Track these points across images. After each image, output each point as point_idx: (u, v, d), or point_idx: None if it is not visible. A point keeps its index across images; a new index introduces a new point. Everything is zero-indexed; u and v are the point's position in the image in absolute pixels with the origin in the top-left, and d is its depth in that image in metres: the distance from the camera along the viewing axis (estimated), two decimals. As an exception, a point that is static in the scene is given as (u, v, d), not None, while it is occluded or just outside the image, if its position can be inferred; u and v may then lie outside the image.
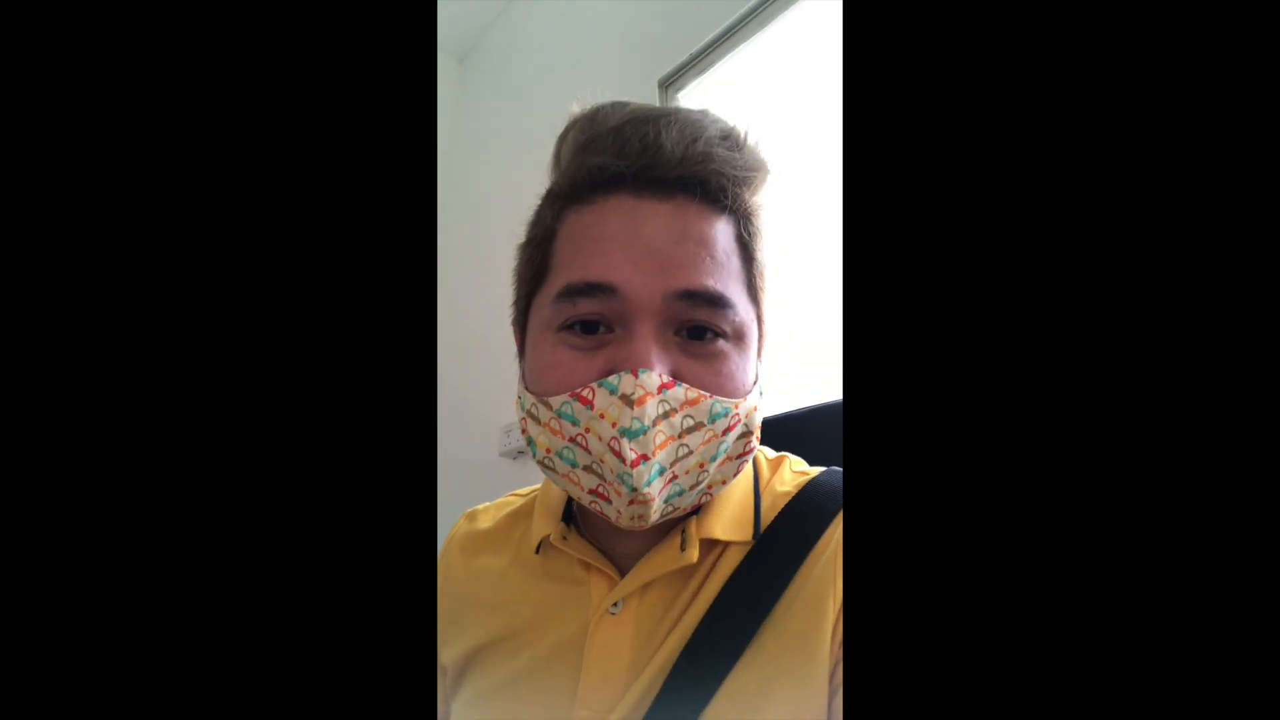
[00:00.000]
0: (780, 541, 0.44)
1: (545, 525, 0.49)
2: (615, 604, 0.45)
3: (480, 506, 0.59)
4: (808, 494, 0.47)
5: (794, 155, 1.08)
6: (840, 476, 0.49)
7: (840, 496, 0.46)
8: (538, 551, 0.50)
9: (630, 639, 0.44)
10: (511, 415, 1.52)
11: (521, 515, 0.55)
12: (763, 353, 0.47)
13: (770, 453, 0.53)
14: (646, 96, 1.28)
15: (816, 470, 0.50)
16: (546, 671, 0.45)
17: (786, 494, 0.48)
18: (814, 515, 0.45)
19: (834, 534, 0.44)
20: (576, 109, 0.45)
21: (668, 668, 0.42)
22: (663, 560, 0.44)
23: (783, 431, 0.68)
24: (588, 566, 0.47)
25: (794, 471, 0.51)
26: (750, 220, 0.44)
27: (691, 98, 1.27)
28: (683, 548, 0.44)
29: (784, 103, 1.14)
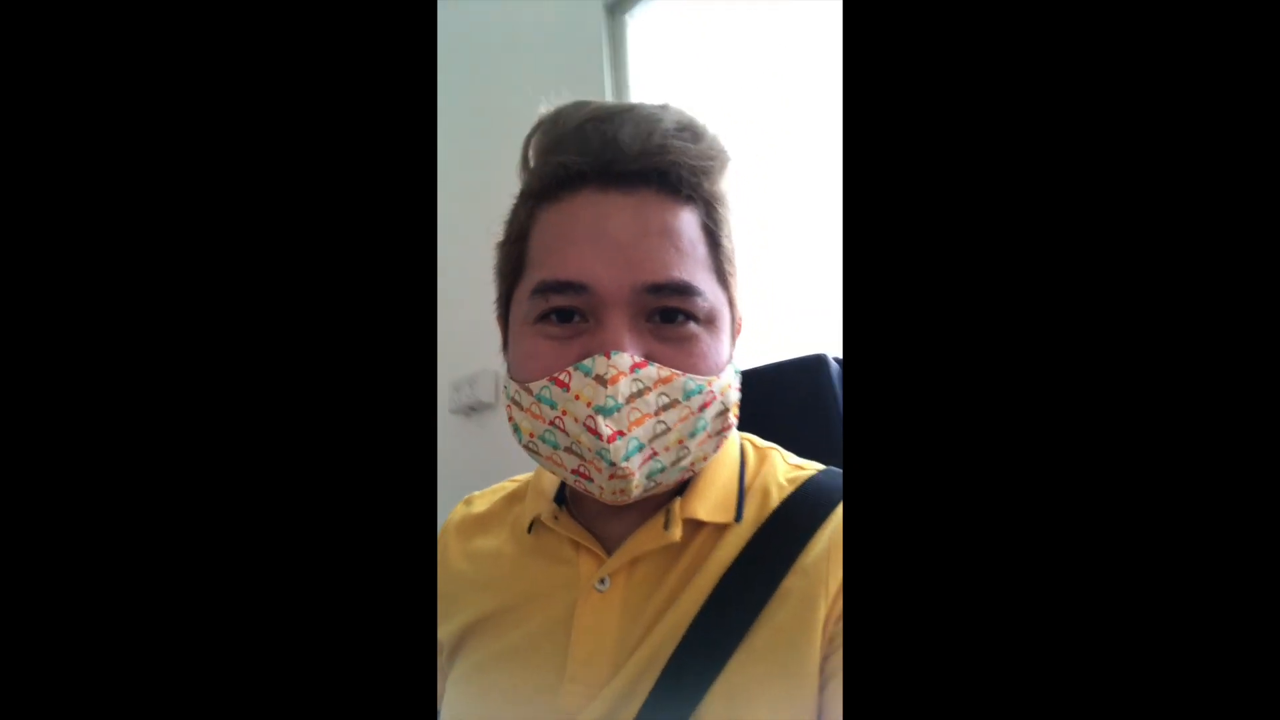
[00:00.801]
0: (776, 537, 0.45)
1: (537, 505, 0.51)
2: (602, 580, 0.46)
3: (477, 493, 0.60)
4: (806, 491, 0.47)
5: (746, 79, 1.02)
6: (837, 476, 0.49)
7: (835, 496, 0.47)
8: (530, 531, 0.51)
9: (617, 616, 0.45)
10: (462, 369, 1.47)
11: (516, 497, 0.56)
12: (738, 335, 0.48)
13: (760, 441, 0.54)
14: (591, 22, 1.18)
15: (813, 467, 0.50)
16: (537, 647, 0.46)
17: (781, 487, 0.48)
18: (810, 513, 0.46)
19: (827, 532, 0.45)
20: (544, 110, 0.47)
21: (660, 656, 0.42)
22: (647, 538, 0.46)
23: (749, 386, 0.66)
24: (577, 546, 0.48)
25: (789, 464, 0.51)
26: (714, 208, 0.44)
27: (641, 21, 1.18)
28: (666, 526, 0.45)
29: (737, 23, 1.07)
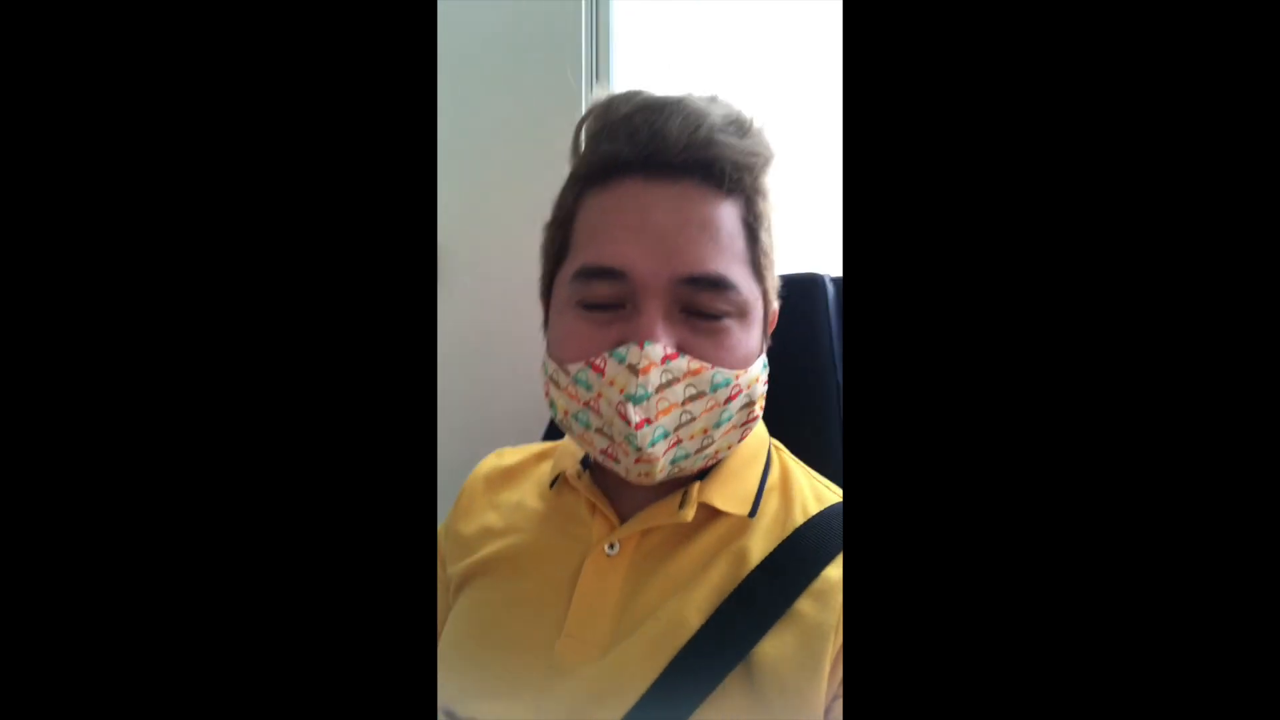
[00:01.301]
0: (796, 556, 0.46)
1: (565, 463, 0.53)
2: (612, 545, 0.48)
3: (509, 448, 0.63)
4: (827, 517, 0.48)
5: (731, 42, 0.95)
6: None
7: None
8: (553, 486, 0.54)
9: (621, 582, 0.47)
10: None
11: (545, 455, 0.60)
12: (773, 327, 0.50)
13: (785, 450, 0.56)
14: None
15: (838, 493, 0.52)
16: (541, 599, 0.48)
17: (806, 507, 0.49)
18: (831, 540, 0.47)
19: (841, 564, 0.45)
20: (598, 95, 0.47)
21: (665, 643, 0.43)
22: (660, 513, 0.48)
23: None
24: (593, 509, 0.50)
25: (816, 482, 0.53)
26: (755, 202, 0.46)
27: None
28: (681, 506, 0.47)
29: None
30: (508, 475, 0.59)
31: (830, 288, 0.69)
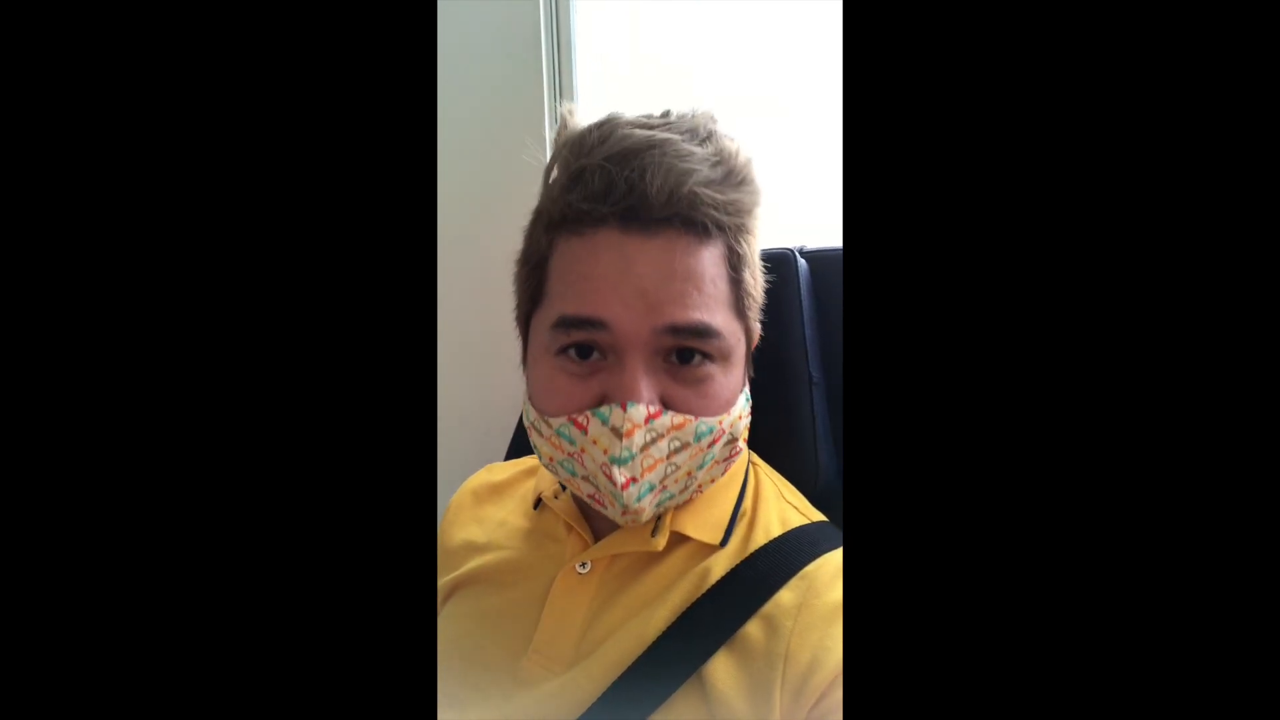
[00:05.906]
0: (749, 581, 0.45)
1: (545, 483, 0.54)
2: (583, 564, 0.48)
3: (499, 463, 0.64)
4: (787, 540, 0.48)
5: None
6: (824, 530, 0.49)
7: (815, 550, 0.47)
8: (536, 507, 0.54)
9: (589, 601, 0.47)
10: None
11: (532, 472, 0.59)
12: (754, 347, 0.49)
13: (764, 466, 0.55)
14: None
15: (804, 516, 0.51)
16: (515, 614, 0.49)
17: (768, 530, 0.49)
18: (785, 563, 0.46)
19: (800, 589, 0.44)
20: (568, 118, 0.45)
21: (621, 663, 0.44)
22: (632, 538, 0.48)
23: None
24: (570, 528, 0.51)
25: (786, 502, 0.52)
26: (739, 243, 0.44)
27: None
28: (654, 533, 0.47)
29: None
30: (495, 491, 0.60)
31: (803, 264, 0.62)
